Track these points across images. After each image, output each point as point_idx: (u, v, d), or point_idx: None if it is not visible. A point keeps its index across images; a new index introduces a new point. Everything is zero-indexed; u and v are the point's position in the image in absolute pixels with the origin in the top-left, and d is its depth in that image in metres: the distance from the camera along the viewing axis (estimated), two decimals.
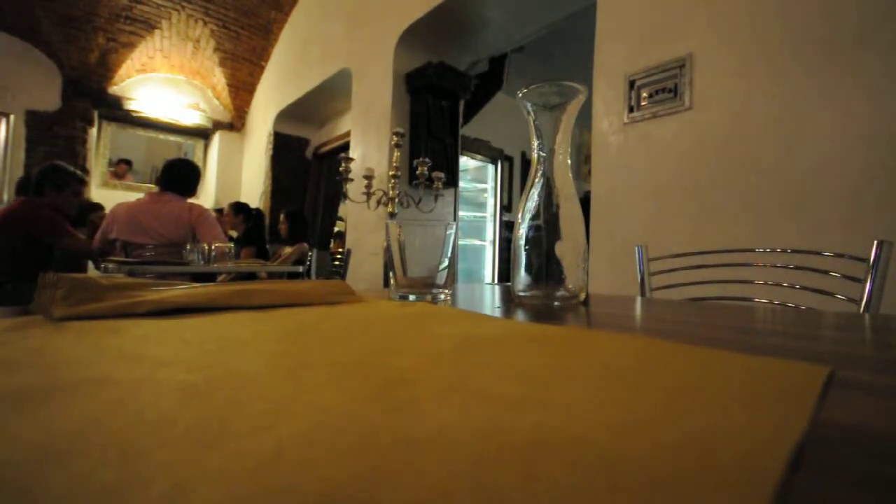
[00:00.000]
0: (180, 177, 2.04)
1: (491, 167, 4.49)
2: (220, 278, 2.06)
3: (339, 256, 2.42)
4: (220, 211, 3.45)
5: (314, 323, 0.29)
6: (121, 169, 4.69)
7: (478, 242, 4.49)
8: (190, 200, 2.05)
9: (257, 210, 3.19)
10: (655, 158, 1.48)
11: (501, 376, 0.17)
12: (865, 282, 0.73)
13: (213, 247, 1.60)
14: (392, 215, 1.57)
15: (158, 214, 1.92)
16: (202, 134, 5.14)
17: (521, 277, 0.50)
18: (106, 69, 4.29)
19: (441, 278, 0.49)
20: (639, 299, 0.62)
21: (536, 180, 0.51)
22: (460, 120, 2.97)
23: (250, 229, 2.97)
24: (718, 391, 0.15)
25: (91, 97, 4.28)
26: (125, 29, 4.09)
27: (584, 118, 1.82)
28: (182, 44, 4.40)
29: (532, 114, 0.51)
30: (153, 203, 1.94)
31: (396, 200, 1.57)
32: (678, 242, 1.36)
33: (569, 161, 0.51)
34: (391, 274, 0.50)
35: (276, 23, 4.36)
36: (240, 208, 3.05)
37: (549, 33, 2.72)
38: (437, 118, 2.77)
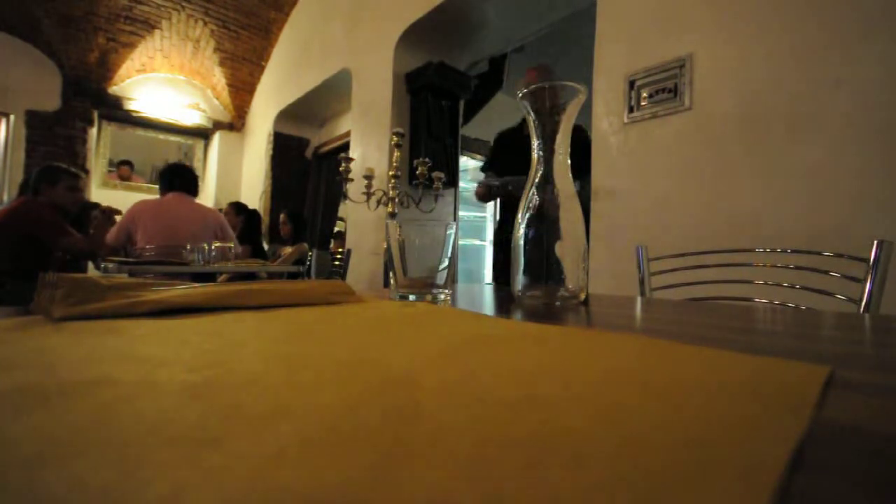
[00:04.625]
0: (190, 180, 2.15)
1: None
2: (220, 278, 2.06)
3: (339, 256, 2.42)
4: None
5: (314, 323, 0.29)
6: (124, 171, 4.70)
7: (478, 242, 4.49)
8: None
9: (254, 210, 3.20)
10: (655, 158, 1.48)
11: (501, 376, 0.17)
12: (865, 282, 0.73)
13: (212, 247, 1.60)
14: (392, 215, 1.57)
15: (189, 215, 2.00)
16: (202, 134, 5.14)
17: (521, 277, 0.50)
18: (106, 69, 4.29)
19: (441, 278, 0.49)
20: (639, 299, 0.62)
21: (536, 180, 0.51)
22: (460, 120, 2.97)
23: (245, 228, 2.98)
24: (718, 391, 0.15)
25: (91, 97, 4.28)
26: (125, 29, 4.09)
27: (584, 118, 1.82)
28: (182, 44, 4.40)
29: (532, 114, 0.51)
30: (179, 204, 2.02)
31: (396, 200, 1.57)
32: (678, 242, 1.36)
33: (569, 161, 0.51)
34: (391, 274, 0.50)
35: (276, 23, 4.36)
36: (240, 208, 3.07)
37: (548, 33, 2.72)
38: (437, 118, 2.77)
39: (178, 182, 2.09)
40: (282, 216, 3.19)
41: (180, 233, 1.92)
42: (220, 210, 3.34)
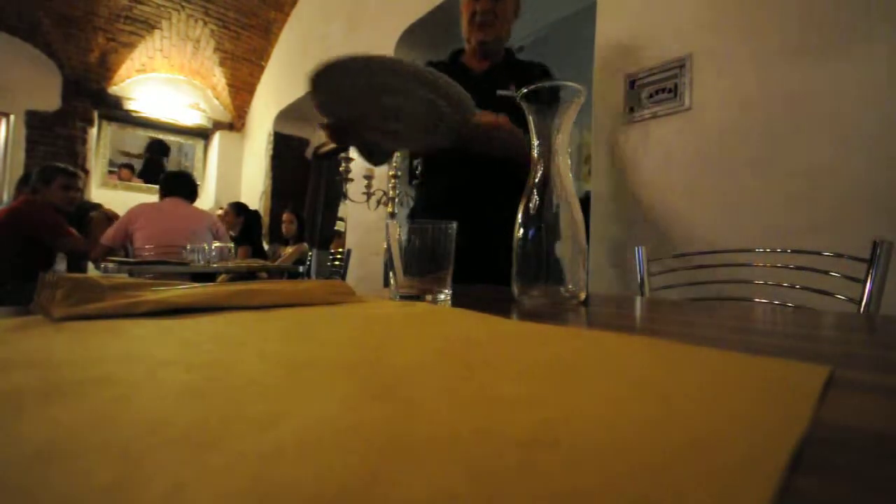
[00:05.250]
0: (186, 184, 2.27)
1: None
2: (220, 278, 2.07)
3: (339, 256, 2.42)
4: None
5: (314, 323, 0.29)
6: (125, 174, 4.70)
7: None
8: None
9: (254, 210, 3.21)
10: (655, 158, 1.48)
11: (501, 376, 0.17)
12: (865, 282, 0.73)
13: (212, 247, 1.61)
14: (392, 215, 1.57)
15: (184, 216, 2.12)
16: (202, 134, 5.14)
17: (521, 277, 0.50)
18: (106, 69, 4.29)
19: (441, 278, 0.49)
20: (639, 299, 0.62)
21: (536, 180, 0.51)
22: None
23: (245, 229, 2.98)
24: (719, 391, 0.15)
25: (91, 97, 4.28)
26: (125, 29, 4.09)
27: (584, 118, 1.81)
28: (182, 44, 4.40)
29: (532, 114, 0.51)
30: (175, 207, 2.13)
31: (396, 200, 1.57)
32: (678, 242, 1.36)
33: (569, 161, 0.51)
34: (391, 274, 0.49)
35: (276, 23, 4.36)
36: (240, 209, 3.07)
37: (548, 33, 2.71)
38: None
39: (175, 187, 2.20)
40: (286, 216, 3.19)
41: (176, 233, 2.02)
42: (220, 209, 3.35)
